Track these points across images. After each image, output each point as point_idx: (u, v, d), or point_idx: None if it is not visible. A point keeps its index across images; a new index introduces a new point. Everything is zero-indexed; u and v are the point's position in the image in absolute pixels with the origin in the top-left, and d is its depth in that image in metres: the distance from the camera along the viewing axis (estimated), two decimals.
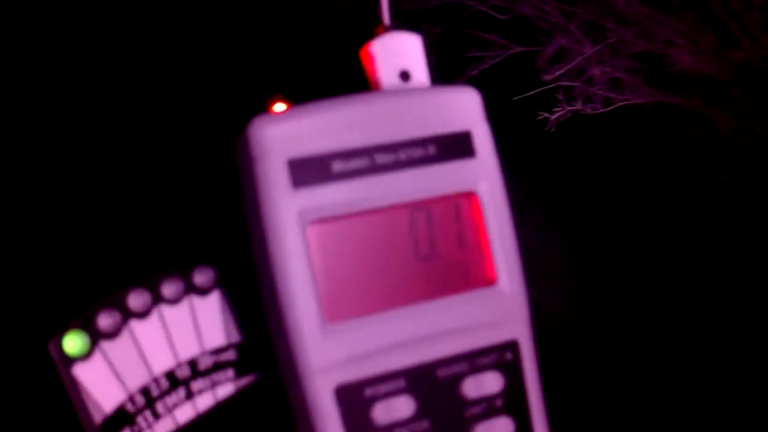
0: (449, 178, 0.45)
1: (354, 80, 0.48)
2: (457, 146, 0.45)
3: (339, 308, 0.43)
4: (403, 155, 0.44)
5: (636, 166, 3.05)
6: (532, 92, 3.00)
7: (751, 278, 3.09)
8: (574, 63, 3.05)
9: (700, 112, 2.93)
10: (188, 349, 0.51)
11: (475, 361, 0.45)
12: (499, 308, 0.46)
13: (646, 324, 3.22)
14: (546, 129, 2.95)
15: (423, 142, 0.45)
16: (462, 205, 0.46)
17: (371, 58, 0.47)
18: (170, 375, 0.51)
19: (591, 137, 3.20)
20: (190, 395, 0.50)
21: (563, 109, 2.98)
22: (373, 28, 0.47)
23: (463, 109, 0.46)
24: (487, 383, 0.45)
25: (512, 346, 0.46)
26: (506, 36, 3.09)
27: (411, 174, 0.44)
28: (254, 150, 0.42)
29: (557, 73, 3.03)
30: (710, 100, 2.97)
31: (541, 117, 2.86)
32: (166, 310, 0.51)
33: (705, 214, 3.07)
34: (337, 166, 0.43)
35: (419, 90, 0.47)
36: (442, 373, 0.44)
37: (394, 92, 0.47)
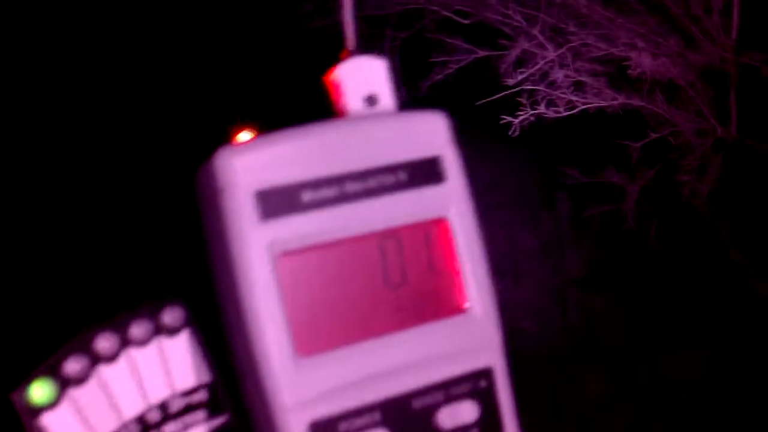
0: (419, 205, 0.45)
1: (318, 106, 0.48)
2: (427, 172, 0.45)
3: (311, 341, 0.42)
4: (373, 182, 0.44)
5: (600, 169, 3.08)
6: (496, 96, 3.01)
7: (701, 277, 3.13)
8: (537, 67, 3.07)
9: (662, 115, 2.96)
10: (159, 392, 0.50)
11: (449, 390, 0.44)
12: (471, 335, 0.46)
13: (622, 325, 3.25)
14: (510, 132, 2.96)
15: (393, 169, 0.44)
16: (432, 232, 0.45)
17: (336, 84, 0.47)
18: (141, 420, 0.50)
19: (555, 140, 3.23)
20: None
21: (527, 113, 2.99)
22: (338, 54, 0.47)
23: (432, 133, 0.45)
24: (463, 412, 0.45)
25: (486, 373, 0.45)
26: (470, 41, 3.10)
27: (381, 202, 0.44)
28: (220, 181, 0.41)
29: (520, 77, 3.04)
30: (672, 103, 3.00)
31: (505, 121, 2.86)
32: (135, 352, 0.50)
33: (668, 216, 3.10)
34: (307, 195, 0.42)
35: (386, 115, 0.47)
36: (417, 404, 0.43)
37: (362, 118, 0.47)
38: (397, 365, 0.43)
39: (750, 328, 3.06)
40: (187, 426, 0.50)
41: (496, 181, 3.41)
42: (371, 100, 0.47)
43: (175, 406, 0.50)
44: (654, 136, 3.02)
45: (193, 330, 0.51)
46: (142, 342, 0.50)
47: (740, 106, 2.99)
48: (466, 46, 3.10)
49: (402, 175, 0.44)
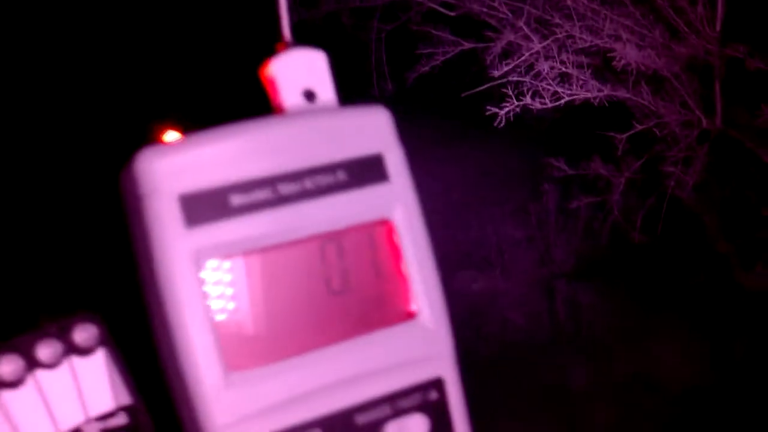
0: (361, 206, 0.42)
1: (256, 102, 0.45)
2: (369, 171, 0.42)
3: (243, 356, 0.39)
4: (309, 183, 0.41)
5: (587, 161, 3.07)
6: (482, 88, 3.00)
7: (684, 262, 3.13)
8: (522, 59, 3.05)
9: (648, 107, 2.96)
10: (70, 418, 0.46)
11: (396, 403, 0.42)
12: (420, 344, 0.42)
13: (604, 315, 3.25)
14: (495, 124, 2.95)
15: (331, 168, 0.41)
16: (376, 234, 0.43)
17: (272, 78, 0.44)
18: None
19: (542, 133, 3.22)
20: None
21: (512, 104, 2.98)
22: (273, 46, 0.44)
23: (373, 130, 0.43)
24: (412, 427, 0.42)
25: (437, 383, 0.43)
26: (456, 33, 3.08)
27: (319, 203, 0.41)
28: (141, 186, 0.38)
29: (506, 68, 3.03)
30: (658, 95, 2.99)
31: (491, 112, 2.85)
32: (42, 376, 0.46)
33: (654, 208, 3.10)
34: (236, 199, 0.39)
35: (324, 111, 0.44)
36: (362, 419, 0.41)
37: (297, 115, 0.43)
38: (340, 378, 0.40)
39: (735, 320, 3.07)
40: None
41: (482, 173, 3.40)
42: (310, 95, 0.44)
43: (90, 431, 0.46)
44: (639, 127, 3.01)
45: (110, 348, 0.47)
46: (51, 364, 0.46)
47: (725, 97, 2.98)
48: (452, 38, 3.09)
49: (341, 175, 0.42)
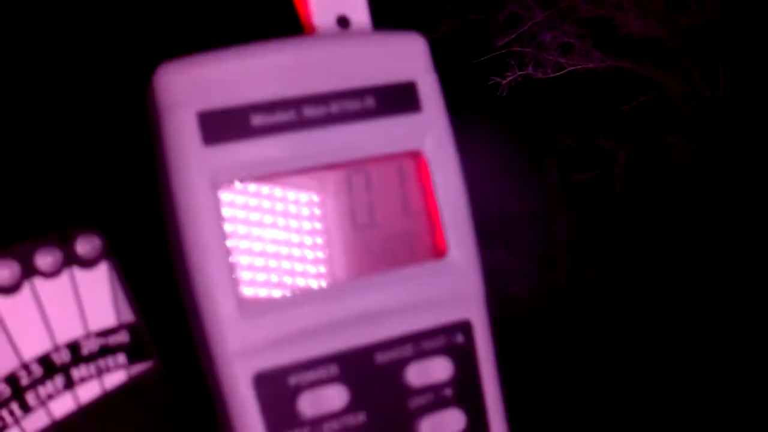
0: (391, 135, 0.39)
1: (290, 28, 0.43)
2: (400, 99, 0.39)
3: (259, 283, 0.37)
4: (335, 108, 0.38)
5: (589, 131, 3.06)
6: (485, 57, 2.98)
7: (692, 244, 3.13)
8: (524, 28, 3.04)
9: (651, 77, 2.94)
10: (68, 331, 0.43)
11: (420, 344, 0.39)
12: (449, 284, 0.40)
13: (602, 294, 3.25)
14: (498, 93, 2.93)
15: (359, 93, 0.39)
16: (406, 166, 0.40)
17: (305, 1, 0.42)
18: (45, 360, 0.43)
19: (544, 102, 3.20)
20: (70, 384, 0.42)
21: (514, 74, 2.97)
22: None
23: (407, 57, 0.40)
24: (435, 370, 0.40)
25: (464, 327, 0.40)
26: (460, 3, 3.06)
27: (345, 129, 0.38)
28: (160, 100, 0.36)
29: (509, 38, 3.02)
30: (661, 66, 2.98)
31: (494, 81, 2.84)
32: (40, 284, 0.43)
33: (656, 179, 3.09)
34: (257, 119, 0.37)
35: (356, 35, 0.41)
36: (382, 358, 0.39)
37: (327, 37, 0.41)
38: (360, 314, 0.38)
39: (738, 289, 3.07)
40: (102, 371, 0.44)
41: (485, 147, 3.38)
42: (343, 21, 0.42)
43: (88, 347, 0.44)
44: (642, 98, 3.00)
45: (113, 263, 0.45)
46: (50, 273, 0.43)
47: (727, 68, 2.97)
48: (456, 9, 3.07)
49: (370, 101, 0.39)
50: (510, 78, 2.94)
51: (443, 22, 3.06)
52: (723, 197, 3.12)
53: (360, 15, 0.42)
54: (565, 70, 2.98)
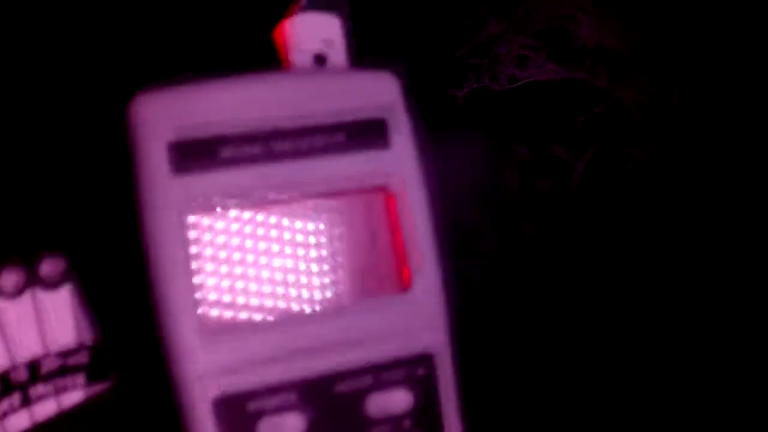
0: (359, 171, 0.38)
1: (269, 64, 0.43)
2: (370, 135, 0.40)
3: (222, 311, 0.38)
4: (304, 143, 0.38)
5: (548, 145, 3.09)
6: (442, 69, 3.00)
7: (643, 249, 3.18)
8: (479, 40, 3.07)
9: (605, 88, 2.99)
10: (28, 349, 0.44)
11: (380, 375, 0.39)
12: (412, 317, 0.40)
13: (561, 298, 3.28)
14: (455, 104, 2.96)
15: (329, 129, 0.38)
16: (374, 201, 0.41)
17: (284, 39, 0.42)
18: (3, 378, 0.44)
19: (502, 114, 3.23)
20: (26, 401, 0.44)
21: (471, 86, 3.00)
22: (289, 7, 0.42)
23: (379, 95, 0.40)
24: (394, 401, 0.39)
25: (426, 359, 0.40)
26: (417, 17, 3.07)
27: (313, 164, 0.38)
28: (134, 129, 0.38)
29: (464, 50, 3.04)
30: (615, 77, 3.03)
31: (451, 93, 2.86)
32: (2, 303, 0.44)
33: (613, 188, 3.13)
34: (226, 151, 0.37)
35: (330, 72, 0.41)
36: (342, 387, 0.39)
37: (301, 72, 0.41)
38: (322, 343, 0.38)
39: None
40: (59, 390, 0.45)
41: (445, 158, 3.39)
42: (321, 60, 0.42)
43: (47, 366, 0.45)
44: (597, 109, 3.04)
45: (75, 285, 0.46)
46: (13, 293, 0.44)
47: (680, 78, 3.02)
48: (413, 22, 3.08)
49: (340, 137, 0.39)
50: (466, 90, 2.96)
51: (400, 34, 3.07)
52: (677, 205, 3.17)
53: (337, 53, 0.42)
54: (520, 83, 3.01)
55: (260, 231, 0.39)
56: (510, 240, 3.43)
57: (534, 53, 3.08)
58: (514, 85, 3.05)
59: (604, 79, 3.02)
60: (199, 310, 0.37)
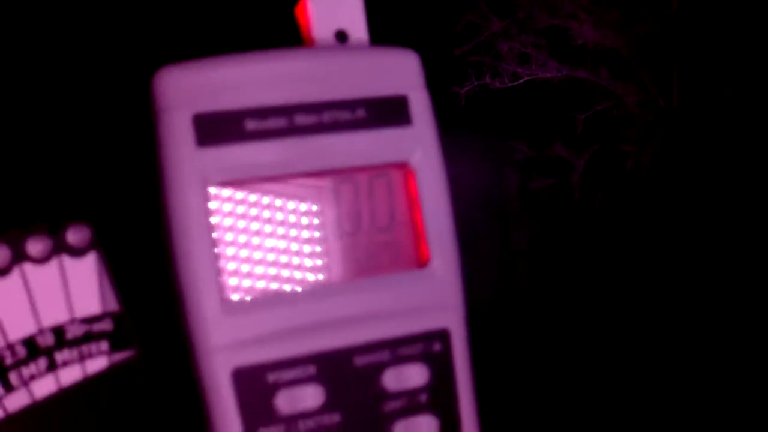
0: (380, 147, 0.40)
1: (290, 40, 0.44)
2: (391, 112, 0.40)
3: (242, 283, 0.39)
4: (327, 117, 0.39)
5: (547, 143, 3.10)
6: (443, 67, 3.01)
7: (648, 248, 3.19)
8: (481, 38, 3.07)
9: (607, 87, 2.99)
10: (54, 315, 0.45)
11: (398, 350, 0.40)
12: (429, 293, 0.41)
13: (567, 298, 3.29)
14: (456, 102, 2.96)
15: (351, 104, 0.39)
16: (394, 177, 0.41)
17: (306, 15, 0.42)
18: (29, 342, 0.45)
19: (503, 111, 3.24)
20: (52, 366, 0.44)
21: (472, 83, 3.00)
22: None
23: (400, 72, 0.41)
24: (411, 376, 0.40)
25: (442, 335, 0.40)
26: (419, 13, 3.08)
27: (336, 138, 0.39)
28: (158, 102, 0.38)
29: (466, 48, 3.05)
30: (616, 75, 3.03)
31: (453, 91, 2.87)
32: (29, 268, 0.44)
33: (612, 187, 3.14)
34: (251, 124, 0.38)
35: (351, 48, 0.42)
36: (360, 361, 0.39)
37: (324, 49, 0.42)
38: (341, 317, 0.39)
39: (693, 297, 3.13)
40: (84, 356, 0.45)
41: (446, 155, 3.39)
42: (342, 36, 0.42)
43: (73, 332, 0.45)
44: (598, 107, 3.05)
45: (101, 254, 0.46)
46: (40, 259, 0.44)
47: (681, 77, 3.03)
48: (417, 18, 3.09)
49: (362, 112, 0.40)
50: (468, 87, 2.97)
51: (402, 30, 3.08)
52: (677, 203, 3.18)
53: (358, 30, 0.43)
54: (522, 80, 3.02)
55: (280, 204, 0.40)
56: (509, 238, 3.43)
57: (536, 51, 3.08)
58: (516, 83, 3.06)
59: (605, 77, 3.03)
60: (221, 283, 0.38)
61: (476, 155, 3.42)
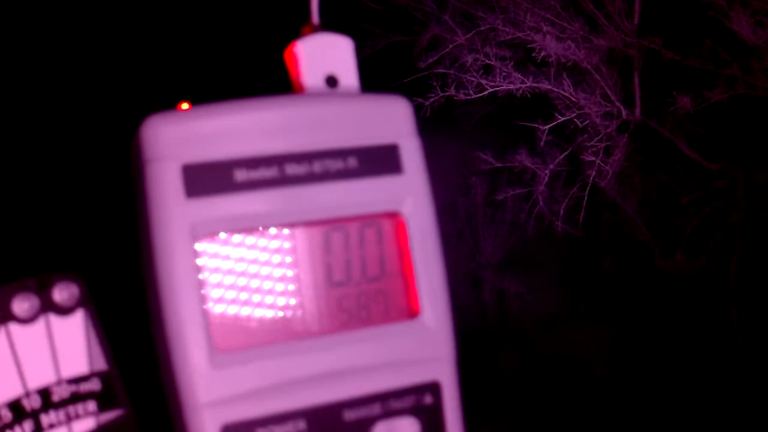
0: (371, 196, 0.40)
1: (280, 86, 0.43)
2: (382, 160, 0.40)
3: (232, 336, 0.38)
4: (318, 167, 0.38)
5: (513, 154, 3.12)
6: (408, 79, 3.01)
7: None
8: (445, 51, 3.09)
9: (569, 98, 3.02)
10: (40, 377, 0.44)
11: (388, 403, 0.40)
12: (420, 344, 0.40)
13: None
14: (420, 114, 2.97)
15: (342, 154, 0.39)
16: (384, 227, 0.40)
17: (295, 60, 0.42)
18: (15, 405, 0.44)
19: (468, 123, 3.25)
20: (39, 430, 0.44)
21: (437, 95, 3.02)
22: (300, 28, 0.42)
23: (391, 119, 0.41)
24: (401, 429, 0.40)
25: (433, 388, 0.41)
26: (383, 26, 3.09)
27: (327, 189, 0.39)
28: (146, 151, 0.36)
29: (431, 60, 3.06)
30: (579, 87, 3.06)
31: (417, 102, 2.87)
32: (15, 329, 0.44)
33: (577, 198, 3.17)
34: (240, 174, 0.37)
35: (342, 96, 0.41)
36: (350, 415, 0.39)
37: (314, 96, 0.41)
38: (330, 371, 0.39)
39: (652, 304, 3.17)
40: (71, 417, 0.44)
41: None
42: (332, 81, 0.42)
43: (59, 393, 0.44)
44: (561, 119, 3.07)
45: (89, 311, 0.45)
46: (26, 319, 0.44)
47: (644, 89, 3.07)
48: (380, 31, 3.10)
49: (353, 162, 0.39)
50: (433, 99, 2.99)
51: (367, 43, 3.08)
52: (641, 214, 3.22)
53: (349, 74, 0.42)
54: (487, 92, 3.04)
55: (269, 256, 0.39)
56: (476, 249, 3.45)
57: (500, 63, 3.11)
58: (480, 95, 3.08)
59: (568, 89, 3.06)
60: (209, 338, 0.37)
61: (444, 167, 3.43)
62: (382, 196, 0.40)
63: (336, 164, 0.39)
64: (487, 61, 3.12)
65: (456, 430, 0.42)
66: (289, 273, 0.40)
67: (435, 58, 3.08)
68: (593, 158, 3.10)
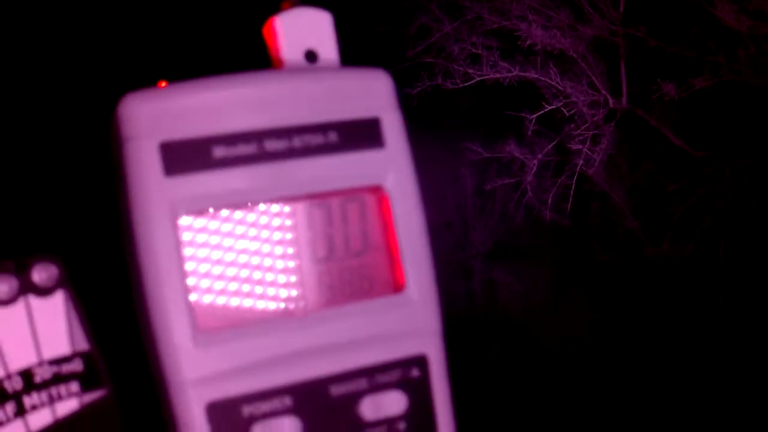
0: (353, 170, 0.39)
1: (260, 61, 0.42)
2: (363, 134, 0.39)
3: (215, 314, 0.38)
4: (298, 142, 0.38)
5: (502, 143, 3.12)
6: (394, 69, 3.01)
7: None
8: (432, 40, 3.09)
9: (556, 87, 3.02)
10: (21, 358, 0.44)
11: (374, 378, 0.40)
12: (406, 318, 0.41)
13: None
14: (408, 103, 2.97)
15: (322, 128, 0.39)
16: (367, 201, 0.40)
17: (274, 35, 0.41)
18: None
19: (456, 113, 3.25)
20: (21, 412, 0.43)
21: (424, 84, 3.02)
22: (279, 3, 0.41)
23: (372, 93, 0.40)
24: (389, 404, 0.40)
25: (420, 361, 0.41)
26: (369, 15, 3.08)
27: (308, 164, 0.38)
28: (123, 130, 0.36)
29: (418, 50, 3.06)
30: (565, 75, 3.07)
31: (405, 92, 2.87)
32: None
33: (566, 186, 3.17)
34: (219, 151, 0.37)
35: (322, 70, 0.41)
36: (336, 391, 0.39)
37: (293, 71, 0.41)
38: (315, 346, 0.38)
39: (641, 292, 3.18)
40: (54, 399, 0.44)
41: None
42: (311, 56, 0.42)
43: (41, 375, 0.44)
44: (548, 107, 3.08)
45: (69, 292, 0.45)
46: (6, 301, 0.43)
47: (630, 77, 3.08)
48: (367, 21, 3.09)
49: (333, 136, 0.39)
50: (420, 88, 2.99)
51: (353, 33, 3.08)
52: (628, 202, 3.23)
53: (328, 49, 0.42)
54: (474, 81, 3.04)
55: (252, 232, 0.39)
56: (466, 239, 3.45)
57: (487, 52, 3.11)
58: (468, 84, 3.08)
59: (554, 77, 3.06)
60: (193, 316, 0.37)
61: (433, 157, 3.42)
62: (365, 170, 0.40)
63: (316, 139, 0.39)
64: (473, 50, 3.12)
65: (444, 403, 0.42)
66: (272, 250, 0.40)
67: (421, 48, 3.08)
68: (580, 146, 3.11)
